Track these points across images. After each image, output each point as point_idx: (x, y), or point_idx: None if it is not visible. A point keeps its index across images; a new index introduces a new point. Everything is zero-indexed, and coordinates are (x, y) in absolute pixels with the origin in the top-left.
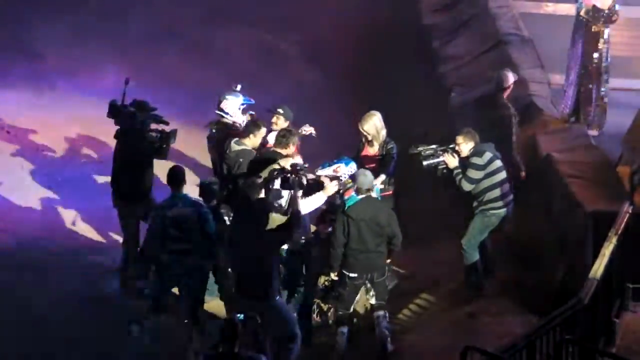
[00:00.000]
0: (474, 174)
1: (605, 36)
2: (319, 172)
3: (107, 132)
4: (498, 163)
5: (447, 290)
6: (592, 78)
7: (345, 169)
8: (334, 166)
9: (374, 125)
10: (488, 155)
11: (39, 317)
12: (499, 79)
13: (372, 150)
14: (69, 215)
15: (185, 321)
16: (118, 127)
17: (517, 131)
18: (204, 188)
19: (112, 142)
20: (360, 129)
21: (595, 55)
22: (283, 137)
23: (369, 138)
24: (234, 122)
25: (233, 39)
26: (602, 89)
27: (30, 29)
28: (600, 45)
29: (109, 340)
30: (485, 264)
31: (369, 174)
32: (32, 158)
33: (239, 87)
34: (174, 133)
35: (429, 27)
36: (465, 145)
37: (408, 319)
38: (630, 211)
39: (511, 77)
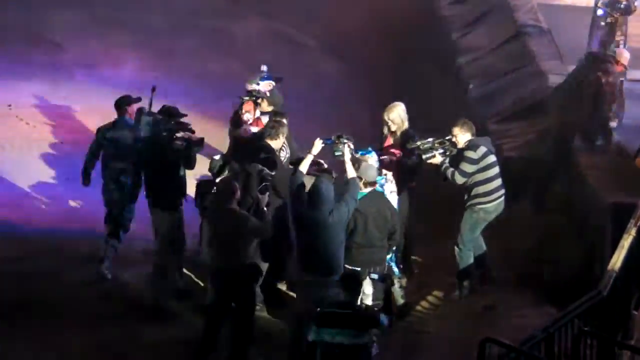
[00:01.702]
0: (467, 167)
1: (623, 27)
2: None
3: None
4: (492, 158)
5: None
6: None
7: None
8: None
9: (398, 114)
10: (482, 149)
11: (54, 306)
12: (617, 53)
13: (395, 141)
14: (86, 206)
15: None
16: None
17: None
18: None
19: None
20: (386, 119)
21: (613, 46)
22: (272, 128)
23: (393, 128)
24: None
25: (252, 30)
26: (621, 80)
27: (49, 19)
28: (618, 37)
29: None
30: (484, 271)
31: (373, 166)
32: (50, 149)
33: (264, 68)
34: (200, 142)
35: (447, 19)
36: (462, 136)
37: (426, 311)
38: None
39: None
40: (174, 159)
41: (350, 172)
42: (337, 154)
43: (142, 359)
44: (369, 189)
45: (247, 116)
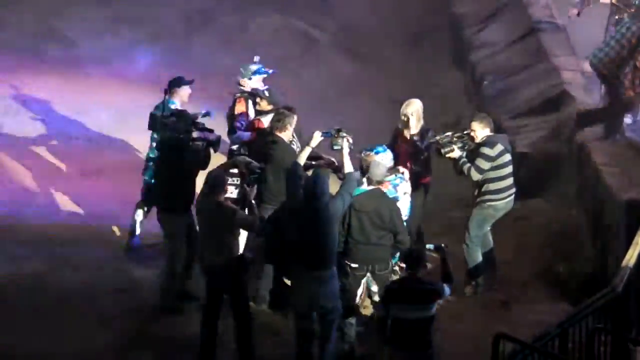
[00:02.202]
0: (483, 163)
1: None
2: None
3: (139, 119)
4: (508, 157)
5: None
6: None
7: (377, 157)
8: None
9: (417, 110)
10: (499, 147)
11: (69, 301)
12: None
13: (410, 136)
14: (99, 202)
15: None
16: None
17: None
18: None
19: (144, 130)
20: (405, 112)
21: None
22: (279, 121)
23: (412, 123)
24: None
25: (266, 25)
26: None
27: (63, 15)
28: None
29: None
30: (492, 268)
31: (382, 165)
32: (64, 145)
33: (256, 59)
34: (218, 141)
35: (461, 15)
36: (481, 131)
37: (439, 306)
38: None
39: None
40: (193, 160)
41: (348, 167)
42: (335, 147)
43: (148, 356)
44: (371, 187)
45: (241, 120)
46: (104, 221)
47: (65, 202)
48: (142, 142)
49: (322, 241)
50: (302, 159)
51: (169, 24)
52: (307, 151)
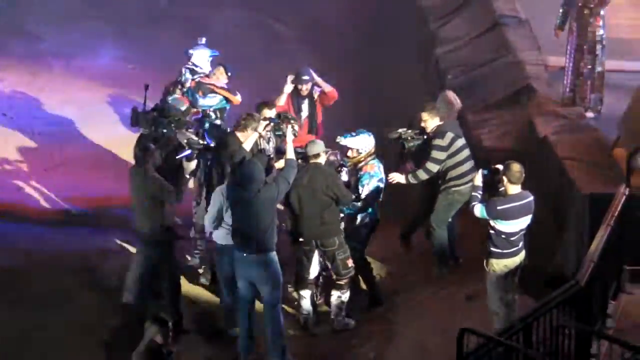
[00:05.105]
0: (438, 155)
1: (600, 18)
2: (342, 142)
3: (103, 114)
4: (461, 142)
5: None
6: (587, 60)
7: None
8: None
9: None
10: (449, 135)
11: (39, 297)
12: None
13: None
14: (64, 199)
15: None
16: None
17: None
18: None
19: (108, 125)
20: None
21: (590, 37)
22: (243, 120)
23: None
24: (205, 75)
25: (230, 21)
26: (598, 71)
27: (27, 10)
28: (594, 28)
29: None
30: (451, 250)
31: (318, 141)
32: (28, 139)
33: (203, 40)
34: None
35: (426, 9)
36: (432, 121)
37: (404, 300)
38: (626, 193)
39: None
40: (177, 155)
41: (290, 153)
42: (277, 133)
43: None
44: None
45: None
46: (67, 215)
47: (28, 197)
48: (104, 136)
49: (254, 225)
50: (248, 144)
51: (133, 19)
52: (254, 136)
